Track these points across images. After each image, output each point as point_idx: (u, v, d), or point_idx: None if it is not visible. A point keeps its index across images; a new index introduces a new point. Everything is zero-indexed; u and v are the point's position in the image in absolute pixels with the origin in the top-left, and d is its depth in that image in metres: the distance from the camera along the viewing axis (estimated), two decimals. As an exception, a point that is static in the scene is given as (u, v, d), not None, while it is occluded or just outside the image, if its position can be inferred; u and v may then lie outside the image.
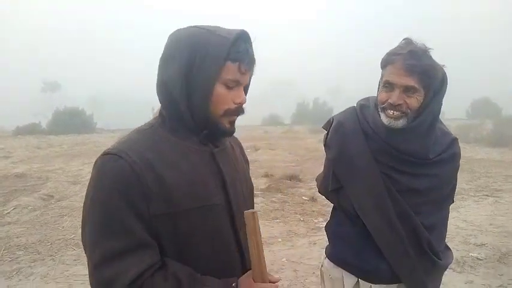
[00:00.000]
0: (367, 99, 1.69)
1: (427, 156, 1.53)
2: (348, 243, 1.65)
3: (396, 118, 1.46)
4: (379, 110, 1.52)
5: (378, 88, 1.56)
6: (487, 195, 7.08)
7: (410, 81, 1.41)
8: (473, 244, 4.68)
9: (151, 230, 1.04)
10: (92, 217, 1.03)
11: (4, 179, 8.83)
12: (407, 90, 1.43)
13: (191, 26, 1.13)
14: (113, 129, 26.49)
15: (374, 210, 1.54)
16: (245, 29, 1.11)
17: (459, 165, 1.64)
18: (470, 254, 4.38)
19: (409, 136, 1.50)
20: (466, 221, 5.54)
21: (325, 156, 1.76)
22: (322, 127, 1.79)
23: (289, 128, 23.62)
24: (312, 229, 5.35)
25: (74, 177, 9.18)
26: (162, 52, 1.13)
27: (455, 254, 4.39)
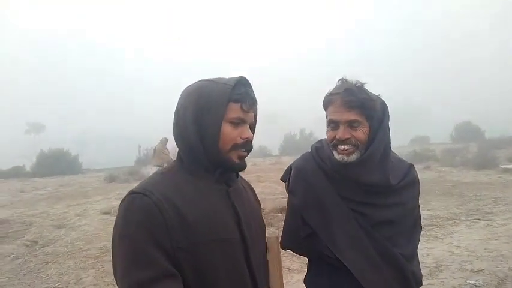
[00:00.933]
0: (320, 141, 1.75)
1: (389, 183, 1.55)
2: None
3: (348, 153, 1.52)
4: (331, 148, 1.57)
5: (326, 129, 1.62)
6: (478, 219, 7.05)
7: (352, 116, 1.50)
8: (470, 271, 4.60)
9: (174, 262, 1.12)
10: (120, 251, 1.12)
11: (-15, 226, 8.52)
12: (351, 124, 1.51)
13: (199, 80, 1.31)
14: (98, 168, 26.13)
15: (352, 251, 1.52)
16: (244, 76, 1.28)
17: (419, 191, 1.69)
18: (468, 281, 4.29)
19: (366, 167, 1.54)
20: (460, 247, 5.48)
21: (287, 205, 1.74)
22: (281, 179, 1.82)
23: (277, 159, 23.66)
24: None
25: (58, 220, 8.90)
26: (175, 108, 1.30)
27: (453, 282, 4.31)
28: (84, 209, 10.15)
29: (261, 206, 1.52)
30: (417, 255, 1.66)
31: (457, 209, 7.92)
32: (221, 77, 1.29)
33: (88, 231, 7.60)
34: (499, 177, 12.14)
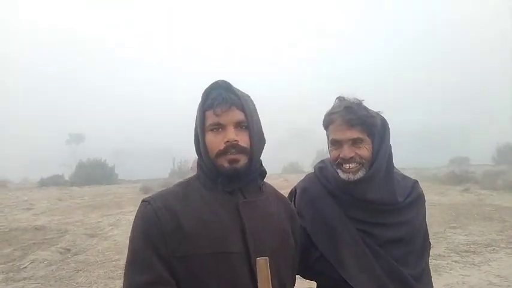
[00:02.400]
0: (323, 161, 1.75)
1: (396, 200, 1.54)
2: None
3: (354, 171, 1.50)
4: (336, 167, 1.55)
5: (329, 149, 1.60)
6: (520, 247, 6.66)
7: (354, 134, 1.49)
8: (509, 302, 4.33)
9: (170, 270, 1.14)
10: (127, 254, 1.20)
11: (24, 231, 8.86)
12: (354, 142, 1.50)
13: None
14: (134, 179, 26.73)
15: (361, 274, 1.48)
16: (223, 79, 1.30)
17: (425, 208, 1.67)
18: (506, 313, 4.05)
19: (371, 184, 1.52)
20: (499, 276, 5.18)
21: None
22: None
23: (309, 176, 23.20)
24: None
25: (92, 229, 9.15)
26: None
27: (490, 315, 4.07)
28: (118, 219, 10.39)
29: (295, 221, 1.46)
30: (429, 275, 1.62)
31: (497, 235, 7.52)
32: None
33: (119, 242, 7.75)
34: (544, 202, 11.48)
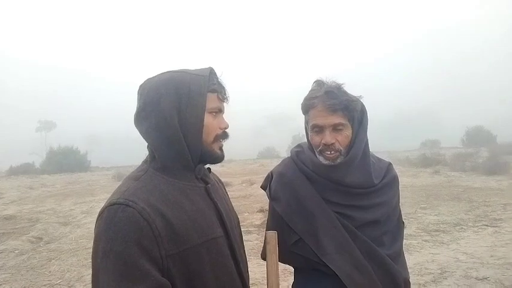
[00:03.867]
0: (299, 145, 1.73)
1: (372, 182, 1.55)
2: None
3: (334, 158, 1.50)
4: (317, 153, 1.54)
5: (307, 133, 1.60)
6: (486, 225, 6.93)
7: (336, 119, 1.47)
8: (475, 278, 4.50)
9: (164, 271, 1.09)
10: (106, 267, 1.04)
11: (-7, 221, 8.62)
12: (335, 127, 1.48)
13: (163, 72, 1.25)
14: (108, 167, 26.29)
15: (339, 255, 1.50)
16: (212, 66, 1.27)
17: (399, 189, 1.69)
18: (472, 288, 4.21)
19: (349, 168, 1.52)
20: (466, 254, 5.38)
21: (269, 213, 1.70)
22: (261, 187, 1.78)
23: (285, 161, 23.37)
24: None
25: (65, 217, 8.98)
26: (140, 102, 1.21)
27: (457, 290, 4.23)
28: (91, 207, 10.22)
29: (229, 197, 1.51)
30: (403, 254, 1.65)
31: (465, 214, 7.80)
32: (186, 68, 1.27)
33: (93, 229, 7.62)
34: (510, 183, 11.93)
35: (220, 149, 1.28)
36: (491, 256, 5.22)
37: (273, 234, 1.16)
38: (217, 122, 1.25)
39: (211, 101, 1.22)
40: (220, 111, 1.27)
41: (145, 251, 1.05)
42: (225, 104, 1.30)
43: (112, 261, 1.03)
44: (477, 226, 6.91)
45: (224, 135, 1.28)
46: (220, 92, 1.25)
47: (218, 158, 1.28)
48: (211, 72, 1.26)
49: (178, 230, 1.11)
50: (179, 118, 1.17)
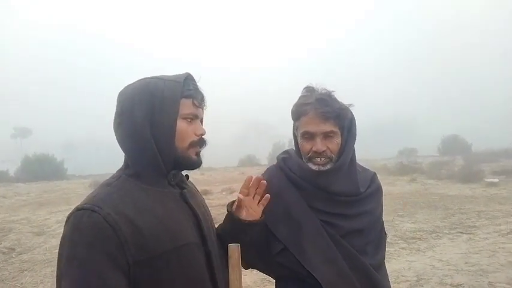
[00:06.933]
0: (286, 151, 1.72)
1: (358, 191, 1.55)
2: None
3: (324, 164, 1.50)
4: (306, 160, 1.53)
5: (296, 139, 1.59)
6: (461, 233, 7.07)
7: (328, 127, 1.47)
8: (450, 285, 4.58)
9: (131, 278, 1.06)
10: (69, 274, 1.02)
11: (-37, 232, 8.32)
12: (326, 135, 1.48)
13: (140, 79, 1.25)
14: (85, 175, 25.80)
15: (323, 264, 1.48)
16: (189, 72, 1.27)
17: (382, 199, 1.70)
18: (447, 295, 4.28)
19: (336, 176, 1.52)
20: (441, 261, 5.47)
21: None
22: None
23: (265, 168, 23.36)
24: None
25: (38, 227, 8.74)
26: (117, 108, 1.22)
27: (433, 297, 4.29)
28: (66, 216, 9.98)
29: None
30: (384, 265, 1.65)
31: (441, 222, 7.94)
32: (164, 74, 1.27)
33: (68, 239, 7.45)
34: (484, 190, 12.24)
35: (197, 154, 1.27)
36: (466, 263, 5.33)
37: (235, 248, 1.13)
38: (192, 128, 1.23)
39: (185, 107, 1.21)
40: (196, 117, 1.25)
41: (110, 257, 1.02)
42: (203, 110, 1.29)
43: (75, 268, 1.01)
44: (452, 233, 7.05)
45: (201, 142, 1.26)
46: (196, 97, 1.23)
47: (194, 164, 1.27)
48: (187, 77, 1.25)
49: (148, 236, 1.09)
50: (152, 124, 1.17)
